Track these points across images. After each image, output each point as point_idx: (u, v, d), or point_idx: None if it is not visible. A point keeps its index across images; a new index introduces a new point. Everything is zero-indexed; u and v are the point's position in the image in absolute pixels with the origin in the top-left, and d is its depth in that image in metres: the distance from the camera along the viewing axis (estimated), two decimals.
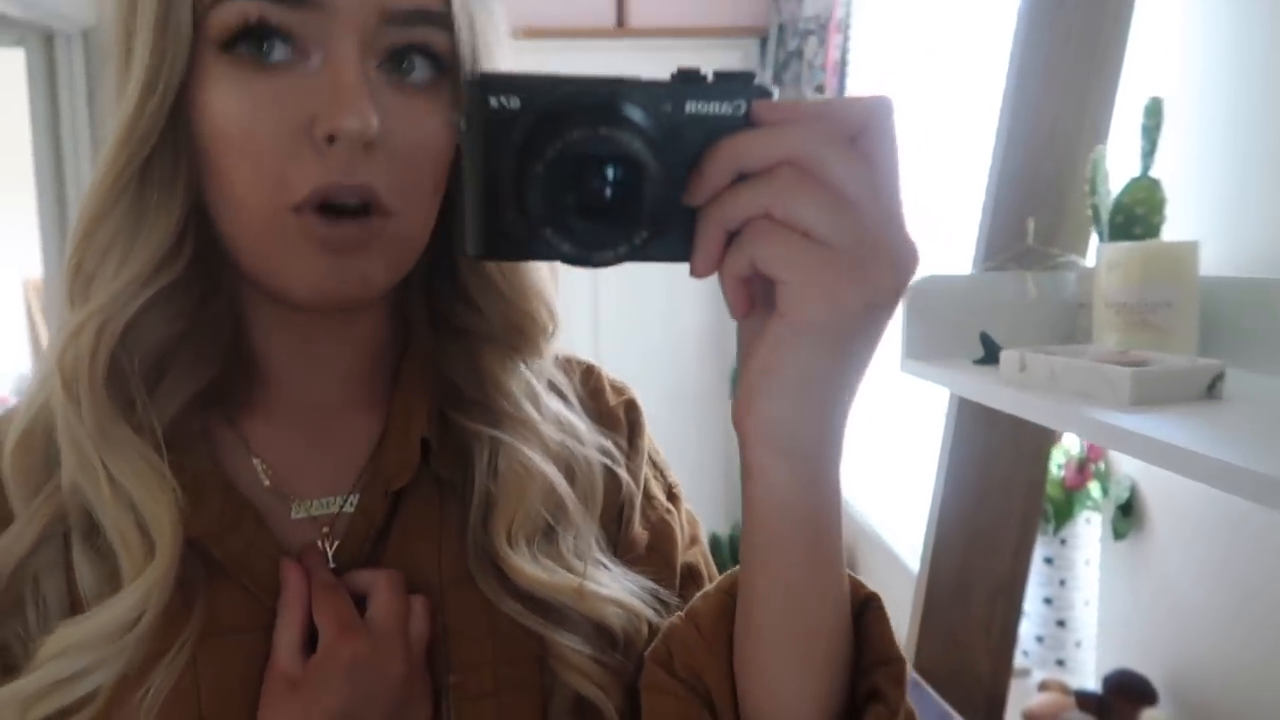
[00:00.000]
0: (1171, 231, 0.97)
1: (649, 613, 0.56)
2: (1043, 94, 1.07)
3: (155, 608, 0.47)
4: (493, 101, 0.38)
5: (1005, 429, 1.11)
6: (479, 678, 0.53)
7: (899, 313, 1.09)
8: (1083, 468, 1.21)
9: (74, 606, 0.49)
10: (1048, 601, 1.36)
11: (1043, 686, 1.18)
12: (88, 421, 0.48)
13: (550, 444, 0.55)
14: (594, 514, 0.56)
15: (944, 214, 1.59)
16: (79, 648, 0.47)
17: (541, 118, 0.38)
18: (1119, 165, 1.01)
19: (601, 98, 0.38)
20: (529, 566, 0.52)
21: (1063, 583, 1.34)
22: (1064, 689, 1.15)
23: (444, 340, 0.57)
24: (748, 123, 0.39)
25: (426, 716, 0.51)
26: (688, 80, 0.39)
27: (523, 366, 0.57)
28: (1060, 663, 1.35)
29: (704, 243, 0.39)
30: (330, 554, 0.53)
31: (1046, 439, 1.14)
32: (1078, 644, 1.35)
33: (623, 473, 0.59)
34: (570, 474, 0.56)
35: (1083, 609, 1.35)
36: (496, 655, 0.53)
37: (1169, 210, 0.97)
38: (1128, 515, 1.20)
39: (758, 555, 0.45)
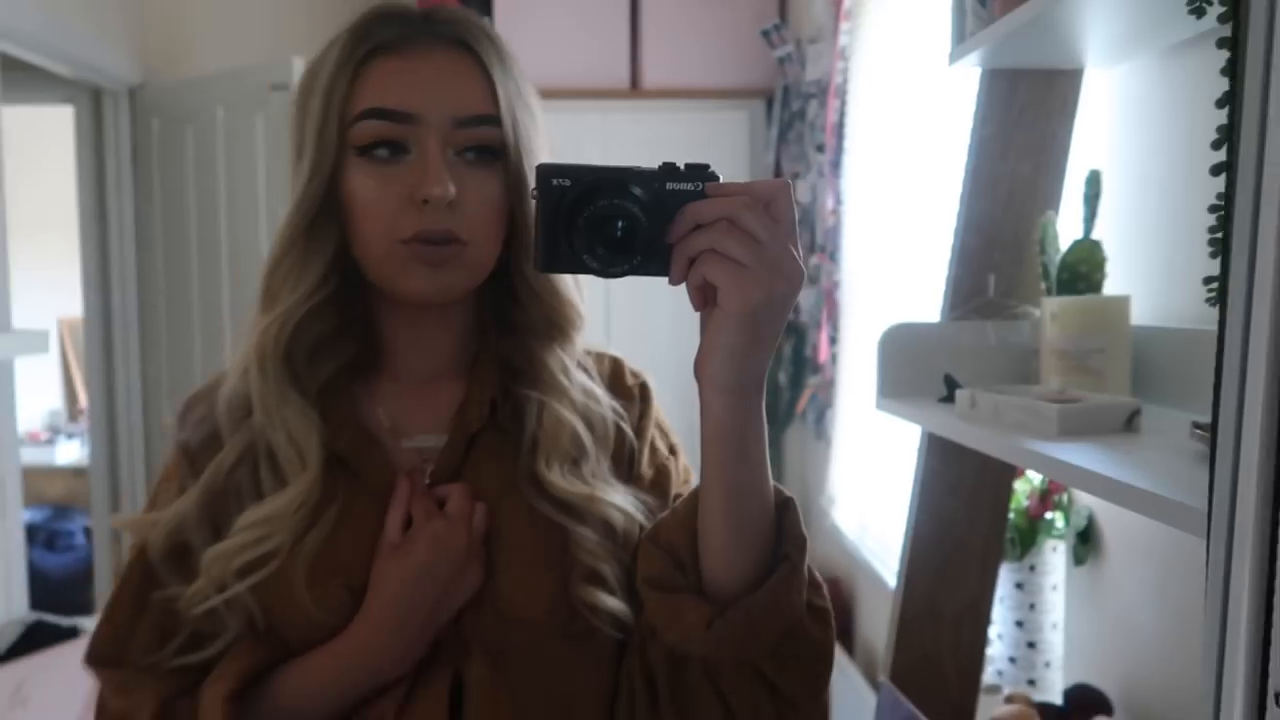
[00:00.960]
0: (1112, 287, 1.11)
1: (640, 517, 0.81)
2: (1000, 166, 1.21)
3: (308, 501, 0.75)
4: (553, 182, 0.64)
5: (971, 462, 1.23)
6: (520, 556, 0.78)
7: (875, 357, 1.22)
8: (1044, 498, 1.33)
9: (258, 496, 0.77)
10: (1019, 624, 1.47)
11: (1009, 699, 1.28)
12: (271, 386, 0.77)
13: (576, 403, 0.82)
14: (606, 452, 0.83)
15: (918, 268, 1.73)
16: (260, 522, 0.75)
17: (582, 191, 0.63)
18: (1068, 229, 1.15)
19: (616, 180, 0.64)
20: (559, 480, 0.78)
21: (1032, 607, 1.45)
22: (1028, 700, 1.25)
23: (505, 335, 0.84)
24: (703, 195, 0.64)
25: (480, 578, 0.77)
26: (669, 169, 0.65)
27: (559, 350, 0.83)
28: (1031, 682, 1.45)
29: (676, 265, 0.64)
30: (428, 473, 0.80)
31: (1009, 471, 1.26)
32: (1047, 664, 1.46)
33: (628, 428, 0.85)
34: (590, 424, 0.82)
35: (1051, 631, 1.45)
36: (533, 540, 0.78)
37: (1109, 268, 1.10)
38: (1086, 542, 1.32)
39: (708, 465, 0.69)
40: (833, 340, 2.42)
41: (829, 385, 2.46)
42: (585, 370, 0.86)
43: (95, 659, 0.79)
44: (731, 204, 0.62)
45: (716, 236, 0.62)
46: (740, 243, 0.61)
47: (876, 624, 2.17)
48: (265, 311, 0.77)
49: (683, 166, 0.64)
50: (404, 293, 0.77)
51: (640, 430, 0.87)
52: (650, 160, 0.65)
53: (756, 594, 0.69)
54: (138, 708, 0.76)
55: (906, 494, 1.31)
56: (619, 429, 0.84)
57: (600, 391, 0.85)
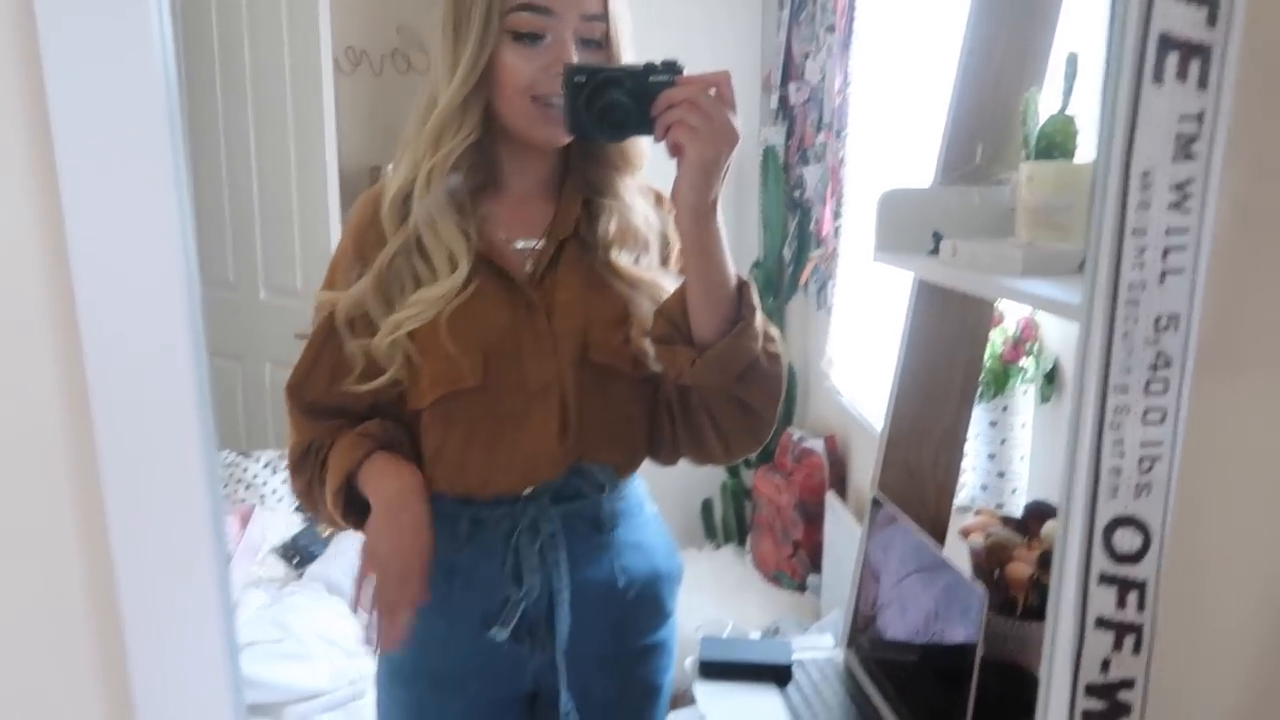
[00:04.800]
0: (1082, 156, 1.27)
1: None
2: (992, 46, 1.35)
3: (456, 290, 1.03)
4: (576, 78, 0.98)
5: (953, 310, 1.42)
6: (599, 318, 1.08)
7: (874, 218, 1.39)
8: (1017, 345, 1.52)
9: (416, 281, 1.05)
10: (991, 457, 1.69)
11: (977, 513, 1.50)
12: (432, 200, 1.04)
13: (638, 213, 1.12)
14: (658, 249, 1.15)
15: (916, 143, 1.88)
16: (424, 300, 1.03)
17: (596, 85, 0.97)
18: (1048, 104, 1.30)
19: (614, 78, 0.97)
20: (627, 265, 1.10)
21: (1003, 442, 1.67)
22: (993, 514, 1.47)
23: (590, 165, 1.12)
24: (674, 84, 0.96)
25: (546, 323, 1.07)
26: (650, 67, 0.97)
27: (628, 176, 1.12)
28: (999, 505, 1.68)
29: (658, 130, 0.97)
30: (530, 265, 1.09)
31: (986, 319, 1.45)
32: (1014, 491, 1.68)
33: (672, 235, 1.16)
34: (648, 228, 1.13)
35: (1019, 463, 1.67)
36: (607, 308, 1.09)
37: (1080, 139, 1.26)
38: (1051, 383, 1.52)
39: (685, 258, 1.01)
40: (836, 215, 2.59)
41: (831, 257, 2.64)
42: (643, 195, 1.15)
43: (288, 388, 1.13)
44: (691, 91, 0.94)
45: (682, 113, 0.94)
46: (697, 116, 0.93)
47: (867, 473, 2.40)
48: (433, 149, 1.04)
49: (659, 64, 0.97)
50: (530, 139, 1.06)
51: (674, 238, 1.19)
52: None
53: (722, 341, 1.01)
54: (294, 441, 1.12)
55: (895, 356, 1.50)
56: (663, 235, 1.17)
57: (651, 210, 1.15)
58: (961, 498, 1.66)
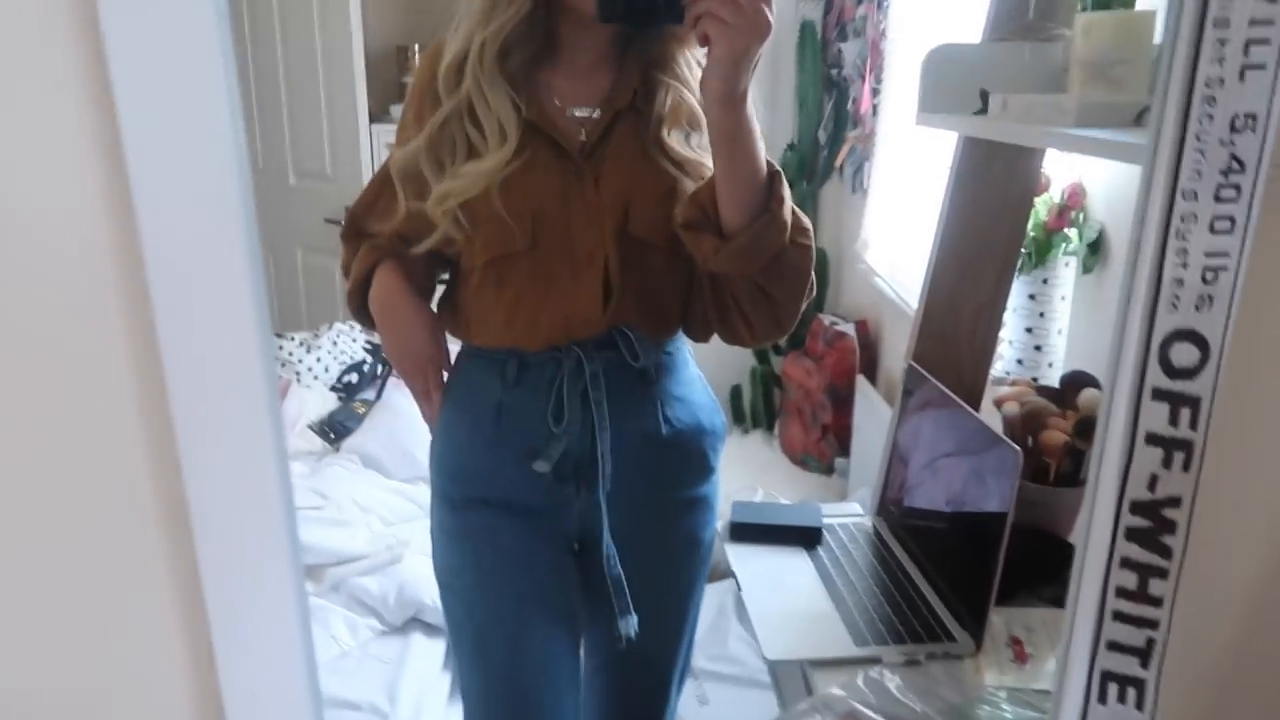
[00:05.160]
0: (1144, 4, 1.21)
1: None
2: None
3: (504, 164, 1.04)
4: None
5: (998, 176, 1.39)
6: (645, 194, 1.08)
7: (917, 80, 1.34)
8: (1062, 213, 1.49)
9: (469, 146, 1.07)
10: (1029, 330, 1.67)
11: (1012, 384, 1.49)
12: (485, 72, 1.05)
13: (693, 90, 1.10)
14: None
15: (963, 6, 1.80)
16: (474, 173, 1.05)
17: None
18: None
19: None
20: (677, 145, 1.10)
21: (1042, 315, 1.65)
22: (1028, 384, 1.46)
23: (649, 38, 1.11)
24: None
25: (594, 192, 1.08)
26: None
27: (687, 51, 1.11)
28: (1035, 380, 1.67)
29: (687, 20, 0.93)
30: (585, 133, 1.09)
31: (1031, 185, 1.41)
32: (1050, 365, 1.67)
33: None
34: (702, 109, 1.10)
35: (1056, 337, 1.65)
36: (655, 184, 1.09)
37: None
38: (1095, 253, 1.49)
39: (714, 147, 1.00)
40: (875, 92, 2.51)
41: (868, 138, 2.57)
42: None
43: (348, 214, 1.21)
44: None
45: (713, 4, 0.91)
46: (729, 9, 0.90)
47: (899, 356, 2.39)
48: (485, 21, 1.04)
49: None
50: (588, 10, 1.02)
51: None
52: None
53: (746, 231, 1.02)
54: (344, 258, 1.21)
55: (934, 231, 1.46)
56: None
57: None
58: (996, 370, 1.65)
